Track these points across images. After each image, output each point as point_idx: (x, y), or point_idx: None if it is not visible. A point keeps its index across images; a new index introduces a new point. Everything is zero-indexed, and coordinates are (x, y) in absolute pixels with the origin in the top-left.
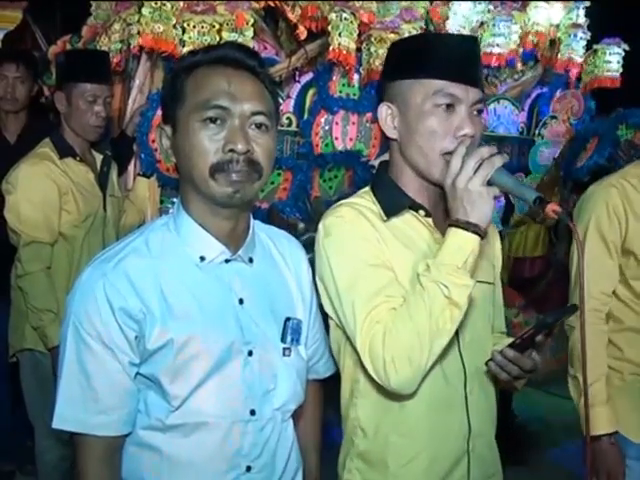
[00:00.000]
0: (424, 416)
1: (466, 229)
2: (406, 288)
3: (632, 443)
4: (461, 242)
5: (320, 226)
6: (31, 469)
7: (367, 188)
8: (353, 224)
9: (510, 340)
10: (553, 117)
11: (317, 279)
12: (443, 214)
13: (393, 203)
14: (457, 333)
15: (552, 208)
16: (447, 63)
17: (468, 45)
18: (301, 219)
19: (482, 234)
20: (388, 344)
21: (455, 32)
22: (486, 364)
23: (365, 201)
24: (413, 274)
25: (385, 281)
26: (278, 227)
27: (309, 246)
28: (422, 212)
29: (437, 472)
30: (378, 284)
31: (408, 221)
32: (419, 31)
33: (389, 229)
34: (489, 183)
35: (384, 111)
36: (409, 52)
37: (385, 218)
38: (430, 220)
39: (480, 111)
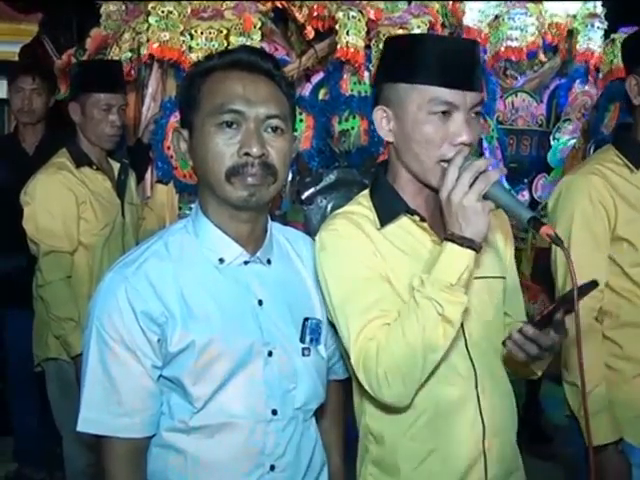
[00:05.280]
0: (432, 418)
1: (461, 244)
2: (404, 296)
3: (638, 449)
4: (455, 258)
5: (316, 238)
6: (61, 476)
7: (366, 192)
8: (347, 238)
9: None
10: (566, 120)
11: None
12: (440, 217)
13: (389, 209)
14: (463, 332)
15: (546, 231)
16: (444, 69)
17: (466, 49)
18: (326, 167)
19: (477, 249)
20: (381, 360)
21: (473, 27)
22: (503, 343)
23: (362, 208)
24: (410, 281)
25: (379, 295)
26: (305, 176)
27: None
28: (417, 217)
29: (451, 474)
30: (372, 298)
31: (405, 226)
32: (428, 26)
33: (385, 237)
34: (485, 197)
35: (379, 115)
36: (404, 54)
37: (379, 227)
38: (426, 224)
39: (478, 113)
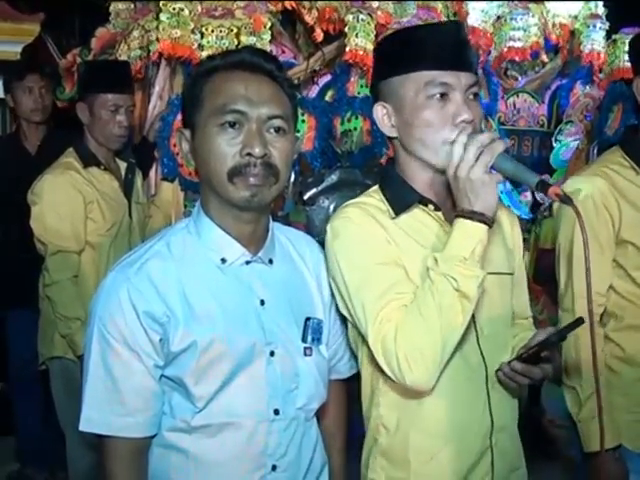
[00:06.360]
0: (444, 413)
1: (471, 218)
2: (418, 284)
3: (636, 455)
4: (467, 232)
5: (328, 227)
6: (64, 476)
7: (376, 187)
8: (360, 225)
9: (526, 341)
10: (568, 122)
11: (330, 280)
12: (452, 206)
13: (401, 200)
14: (475, 327)
15: (555, 191)
16: (434, 53)
17: (452, 30)
18: (328, 168)
19: (489, 222)
20: (400, 342)
21: (477, 27)
22: (496, 373)
23: (373, 200)
24: (424, 269)
25: (395, 279)
26: (307, 177)
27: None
28: (431, 206)
29: (460, 468)
30: (387, 282)
31: (418, 216)
32: None
33: (398, 226)
34: (491, 169)
35: (380, 111)
36: (395, 49)
37: (394, 216)
38: (440, 214)
39: (476, 94)
